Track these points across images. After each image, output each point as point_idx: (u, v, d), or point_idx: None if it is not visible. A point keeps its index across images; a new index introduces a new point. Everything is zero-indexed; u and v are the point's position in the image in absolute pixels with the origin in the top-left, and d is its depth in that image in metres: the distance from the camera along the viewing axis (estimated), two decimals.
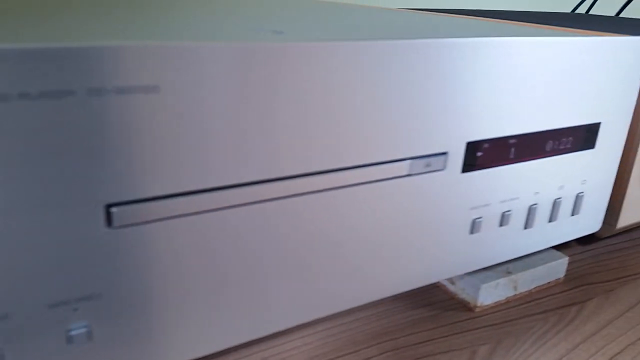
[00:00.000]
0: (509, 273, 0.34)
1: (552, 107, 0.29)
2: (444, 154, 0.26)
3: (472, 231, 0.29)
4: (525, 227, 0.32)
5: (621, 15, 1.02)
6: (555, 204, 0.32)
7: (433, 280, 0.29)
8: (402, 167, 0.25)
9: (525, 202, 0.31)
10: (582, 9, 1.05)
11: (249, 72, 0.19)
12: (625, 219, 0.38)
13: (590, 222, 0.36)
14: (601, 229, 0.39)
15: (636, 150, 0.36)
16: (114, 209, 0.18)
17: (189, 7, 0.31)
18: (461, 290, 0.34)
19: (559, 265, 0.36)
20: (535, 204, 0.31)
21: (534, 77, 0.28)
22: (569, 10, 1.03)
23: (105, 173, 0.17)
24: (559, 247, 0.41)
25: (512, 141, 0.29)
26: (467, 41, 0.24)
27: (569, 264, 0.39)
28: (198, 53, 0.17)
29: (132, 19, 0.23)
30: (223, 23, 0.24)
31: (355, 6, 0.45)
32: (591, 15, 0.82)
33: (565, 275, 0.38)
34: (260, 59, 0.19)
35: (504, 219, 0.30)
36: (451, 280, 0.35)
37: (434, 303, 0.34)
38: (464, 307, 0.34)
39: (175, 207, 0.19)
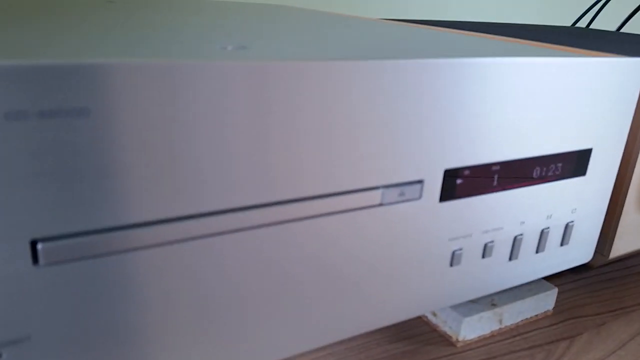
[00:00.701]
0: (494, 305, 0.32)
1: (540, 132, 0.28)
2: (419, 182, 0.24)
3: (452, 263, 0.27)
4: (511, 259, 0.30)
5: (623, 29, 1.01)
6: (543, 234, 0.31)
7: (413, 315, 0.27)
8: (375, 196, 0.23)
9: (510, 233, 0.29)
10: (583, 23, 1.04)
11: (189, 92, 0.17)
12: (619, 249, 0.36)
13: (580, 252, 0.34)
14: (593, 258, 0.37)
15: (630, 177, 0.34)
16: (39, 245, 0.16)
17: (150, 20, 0.29)
18: (443, 323, 0.32)
19: (548, 297, 0.34)
20: (521, 234, 0.30)
21: (520, 101, 0.26)
22: (570, 24, 1.02)
23: (30, 205, 0.16)
24: (549, 277, 0.39)
25: (495, 168, 0.27)
26: (444, 62, 0.23)
27: (560, 294, 0.37)
28: (132, 71, 0.16)
29: (71, 34, 0.21)
30: (179, 36, 0.23)
31: (325, 15, 0.44)
32: (591, 29, 0.80)
33: (555, 307, 0.36)
34: (210, 79, 0.18)
35: (486, 251, 0.28)
36: (433, 312, 0.33)
37: (414, 336, 0.32)
38: (446, 340, 0.32)
39: (108, 242, 0.17)
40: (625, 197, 0.34)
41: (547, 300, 0.34)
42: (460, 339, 0.31)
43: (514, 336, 0.33)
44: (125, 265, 0.18)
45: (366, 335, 0.31)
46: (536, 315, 0.34)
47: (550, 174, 0.29)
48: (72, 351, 0.18)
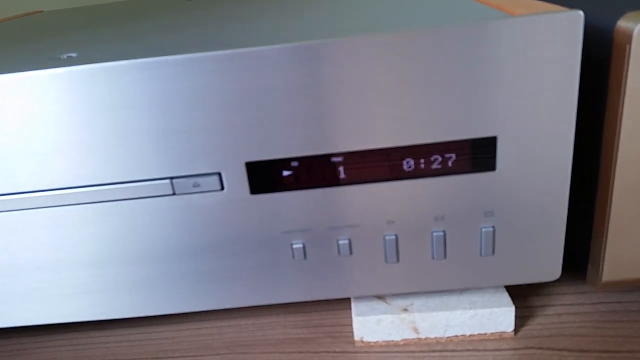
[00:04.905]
0: (405, 310, 0.29)
1: (405, 119, 0.24)
2: (216, 174, 0.25)
3: (294, 256, 0.26)
4: (387, 262, 0.26)
5: None
6: (435, 238, 0.26)
7: (260, 302, 0.28)
8: (165, 186, 0.25)
9: (374, 232, 0.26)
10: None
11: None
12: (616, 270, 0.26)
13: (534, 267, 0.27)
14: (589, 278, 0.28)
15: (614, 171, 0.25)
16: None
17: None
18: (352, 318, 0.30)
19: (497, 315, 0.28)
20: (394, 235, 0.26)
21: (367, 84, 0.23)
22: None
23: None
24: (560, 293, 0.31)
25: (336, 159, 0.25)
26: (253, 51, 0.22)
27: (547, 317, 0.30)
28: None
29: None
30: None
31: None
32: None
33: (527, 330, 0.29)
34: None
35: (341, 248, 0.26)
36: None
37: (326, 325, 0.31)
38: (351, 337, 0.30)
39: None
40: (611, 200, 0.25)
41: (497, 319, 0.28)
42: (357, 338, 0.29)
43: (433, 351, 0.28)
44: None
45: (281, 314, 0.32)
46: (483, 334, 0.29)
47: (433, 167, 0.25)
48: None
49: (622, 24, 0.23)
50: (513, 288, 0.32)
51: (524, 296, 0.31)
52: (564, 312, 0.30)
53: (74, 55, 0.26)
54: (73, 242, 0.26)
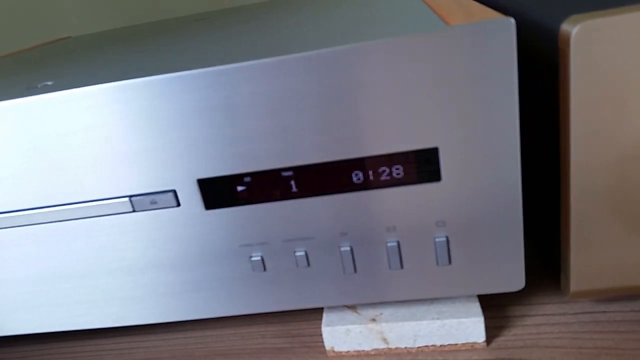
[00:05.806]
0: (373, 321, 0.28)
1: (349, 131, 0.24)
2: (171, 191, 0.26)
3: (254, 269, 0.27)
4: (345, 272, 0.26)
5: None
6: (389, 249, 0.26)
7: (223, 314, 0.29)
8: (125, 204, 0.26)
9: (329, 244, 0.26)
10: None
11: None
12: (583, 280, 0.25)
13: (495, 276, 0.26)
14: (562, 288, 0.27)
15: (569, 178, 0.23)
16: None
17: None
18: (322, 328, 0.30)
19: (466, 326, 0.28)
20: (348, 247, 0.26)
21: (314, 96, 0.23)
22: None
23: None
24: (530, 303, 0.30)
25: (286, 174, 0.25)
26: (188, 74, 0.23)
27: (524, 327, 0.29)
28: None
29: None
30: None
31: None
32: None
33: (502, 341, 0.28)
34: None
35: (299, 260, 0.26)
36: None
37: (304, 335, 0.32)
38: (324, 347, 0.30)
39: None
40: (569, 207, 0.24)
41: (466, 330, 0.28)
42: (328, 348, 0.29)
43: None
44: None
45: (262, 324, 0.33)
46: (454, 345, 0.28)
47: (382, 178, 0.24)
48: None
49: (565, 27, 0.22)
50: (493, 297, 0.31)
51: (502, 305, 0.30)
52: (544, 322, 0.29)
53: (50, 83, 0.28)
54: (48, 257, 0.28)
